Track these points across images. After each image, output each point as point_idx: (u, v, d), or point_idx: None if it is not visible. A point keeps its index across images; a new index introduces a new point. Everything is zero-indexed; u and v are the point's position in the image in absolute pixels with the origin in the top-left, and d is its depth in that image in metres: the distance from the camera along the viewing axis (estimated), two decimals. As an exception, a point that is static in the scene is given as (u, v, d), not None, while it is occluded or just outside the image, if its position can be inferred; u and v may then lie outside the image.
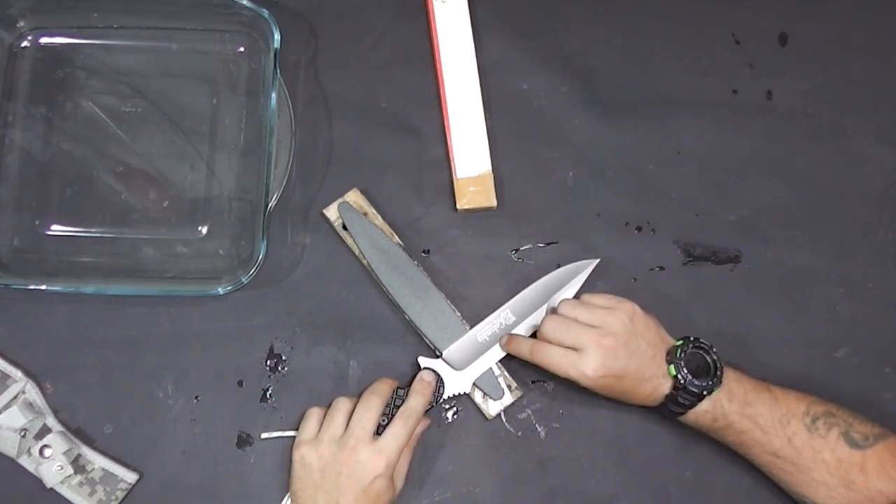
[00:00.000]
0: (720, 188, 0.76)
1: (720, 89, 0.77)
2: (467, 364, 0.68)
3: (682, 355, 0.63)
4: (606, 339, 0.63)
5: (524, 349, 0.66)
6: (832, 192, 0.76)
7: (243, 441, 0.69)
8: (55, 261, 0.71)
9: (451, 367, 0.68)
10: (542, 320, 0.66)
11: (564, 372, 0.63)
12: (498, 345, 0.69)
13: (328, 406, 0.66)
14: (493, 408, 0.69)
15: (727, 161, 0.76)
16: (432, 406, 0.67)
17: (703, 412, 0.64)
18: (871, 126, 0.77)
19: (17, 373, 0.69)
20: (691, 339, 0.65)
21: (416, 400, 0.65)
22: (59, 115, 0.73)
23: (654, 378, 0.64)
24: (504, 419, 0.70)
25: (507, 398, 0.69)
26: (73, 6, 0.72)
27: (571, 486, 0.70)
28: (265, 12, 0.69)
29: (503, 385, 0.69)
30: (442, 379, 0.68)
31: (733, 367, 0.65)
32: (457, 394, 0.68)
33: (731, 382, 0.64)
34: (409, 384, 0.67)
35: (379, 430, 0.63)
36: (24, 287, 0.67)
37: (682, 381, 0.62)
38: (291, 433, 0.68)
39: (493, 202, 0.73)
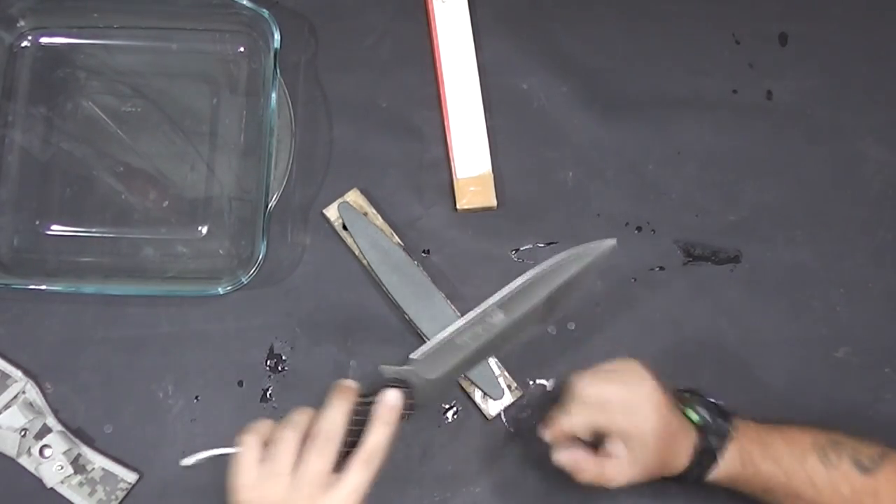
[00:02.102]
0: (720, 188, 0.76)
1: (720, 89, 0.77)
2: (442, 372, 0.58)
3: (692, 398, 0.63)
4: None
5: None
6: (832, 192, 0.76)
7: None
8: (55, 261, 0.71)
9: (423, 376, 0.58)
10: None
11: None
12: (477, 348, 0.59)
13: (276, 427, 0.54)
14: (493, 408, 0.69)
15: (727, 161, 0.76)
16: (406, 420, 0.57)
17: (731, 460, 0.61)
18: (870, 126, 0.77)
19: (17, 373, 0.69)
20: (680, 388, 0.64)
21: (380, 433, 0.54)
22: (59, 115, 0.73)
23: (680, 433, 0.60)
24: (504, 419, 0.70)
25: (507, 398, 0.69)
26: (73, 6, 0.72)
27: (571, 485, 0.69)
28: (265, 12, 0.69)
29: (503, 385, 0.69)
30: (412, 391, 0.57)
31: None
32: (431, 406, 0.61)
33: (740, 423, 0.62)
34: (373, 392, 0.56)
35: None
36: (24, 287, 0.67)
37: (708, 421, 0.61)
38: (225, 451, 0.54)
39: (493, 202, 0.73)
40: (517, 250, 0.74)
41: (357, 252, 0.71)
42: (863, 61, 0.79)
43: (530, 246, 0.74)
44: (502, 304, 0.58)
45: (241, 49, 0.74)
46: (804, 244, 0.75)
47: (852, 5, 0.80)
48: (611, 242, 0.59)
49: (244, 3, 0.69)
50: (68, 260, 0.71)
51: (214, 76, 0.74)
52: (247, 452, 0.52)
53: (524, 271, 0.72)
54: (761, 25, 0.79)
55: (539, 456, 0.70)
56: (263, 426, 0.53)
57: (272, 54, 0.69)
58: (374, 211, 0.72)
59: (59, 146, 0.72)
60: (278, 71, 0.68)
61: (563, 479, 0.69)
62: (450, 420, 0.70)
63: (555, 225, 0.74)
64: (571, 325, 0.72)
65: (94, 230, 0.71)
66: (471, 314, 0.58)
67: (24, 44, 0.73)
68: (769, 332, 0.73)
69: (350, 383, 0.55)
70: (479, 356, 0.59)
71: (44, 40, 0.74)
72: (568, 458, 0.61)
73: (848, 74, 0.78)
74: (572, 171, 0.75)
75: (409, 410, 0.56)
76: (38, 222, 0.71)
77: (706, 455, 0.61)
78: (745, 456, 0.61)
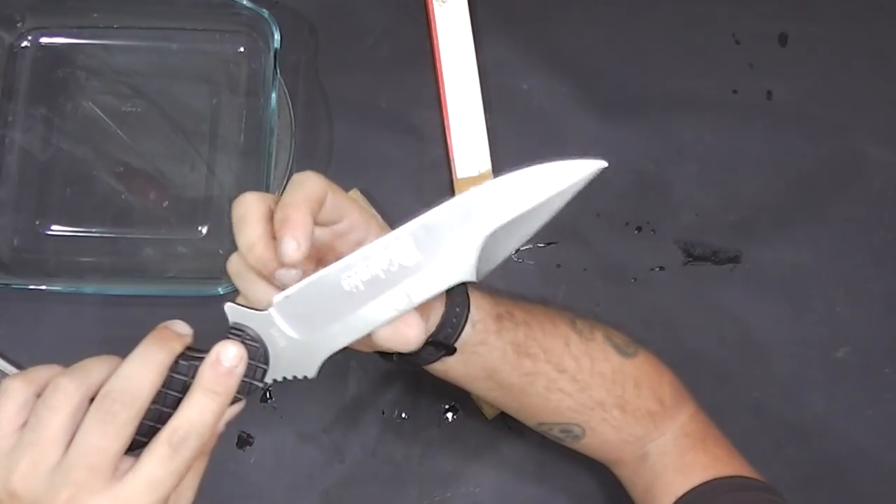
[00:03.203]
0: (720, 188, 0.76)
1: (720, 89, 0.77)
2: (319, 328, 0.39)
3: None
4: None
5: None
6: (832, 192, 0.76)
7: (243, 441, 0.69)
8: (55, 261, 0.71)
9: (290, 330, 0.39)
10: None
11: None
12: (385, 294, 0.39)
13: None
14: (493, 408, 0.69)
15: (727, 161, 0.76)
16: (250, 391, 0.40)
17: (481, 303, 0.48)
18: (871, 126, 0.77)
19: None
20: None
21: (200, 406, 0.36)
22: (59, 115, 0.73)
23: None
24: (504, 419, 0.70)
25: (507, 398, 0.69)
26: (73, 6, 0.72)
27: (571, 486, 0.70)
28: (265, 12, 0.69)
29: (503, 385, 0.68)
30: (264, 349, 0.39)
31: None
32: (294, 377, 0.40)
33: (488, 295, 0.50)
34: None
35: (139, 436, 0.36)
36: (24, 287, 0.67)
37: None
38: None
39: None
40: (517, 250, 0.74)
41: (357, 252, 0.71)
42: (863, 61, 0.79)
43: (530, 246, 0.74)
44: (417, 235, 0.40)
45: (241, 49, 0.74)
46: (804, 244, 0.75)
47: (852, 5, 0.80)
48: (595, 165, 0.43)
49: (244, 3, 0.69)
50: (68, 260, 0.71)
51: (214, 76, 0.74)
52: (7, 403, 0.34)
53: (524, 271, 0.72)
54: (761, 25, 0.79)
55: (539, 456, 0.70)
56: (42, 372, 0.37)
57: (272, 54, 0.69)
58: (374, 211, 0.72)
59: (59, 146, 0.72)
60: (278, 71, 0.68)
61: (563, 479, 0.70)
62: (450, 420, 0.70)
63: (555, 225, 0.73)
64: (571, 325, 0.72)
65: (94, 230, 0.71)
66: (369, 246, 0.40)
67: (24, 44, 0.73)
68: (769, 332, 0.73)
69: (178, 327, 0.40)
70: (380, 312, 0.39)
71: (44, 40, 0.74)
72: None
73: (848, 74, 0.78)
74: (572, 171, 0.75)
75: (258, 381, 0.39)
76: (38, 222, 0.71)
77: (456, 308, 0.46)
78: (496, 305, 0.48)
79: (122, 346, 0.70)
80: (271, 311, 0.39)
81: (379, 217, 0.46)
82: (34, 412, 0.34)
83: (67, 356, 0.70)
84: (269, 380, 0.40)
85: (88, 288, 0.69)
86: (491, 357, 0.48)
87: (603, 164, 0.42)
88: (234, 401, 0.38)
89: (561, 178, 0.41)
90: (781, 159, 0.76)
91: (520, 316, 0.50)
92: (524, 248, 0.74)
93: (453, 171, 0.73)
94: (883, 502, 0.71)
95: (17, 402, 0.34)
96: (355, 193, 0.72)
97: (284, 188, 0.42)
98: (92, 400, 0.36)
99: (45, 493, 0.33)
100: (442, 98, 0.74)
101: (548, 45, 0.77)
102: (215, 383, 0.37)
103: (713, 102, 0.77)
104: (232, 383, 0.37)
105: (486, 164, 0.73)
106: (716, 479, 0.54)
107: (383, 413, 0.69)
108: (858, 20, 0.79)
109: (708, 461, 0.56)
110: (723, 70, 0.78)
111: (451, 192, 0.73)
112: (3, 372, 0.68)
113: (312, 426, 0.70)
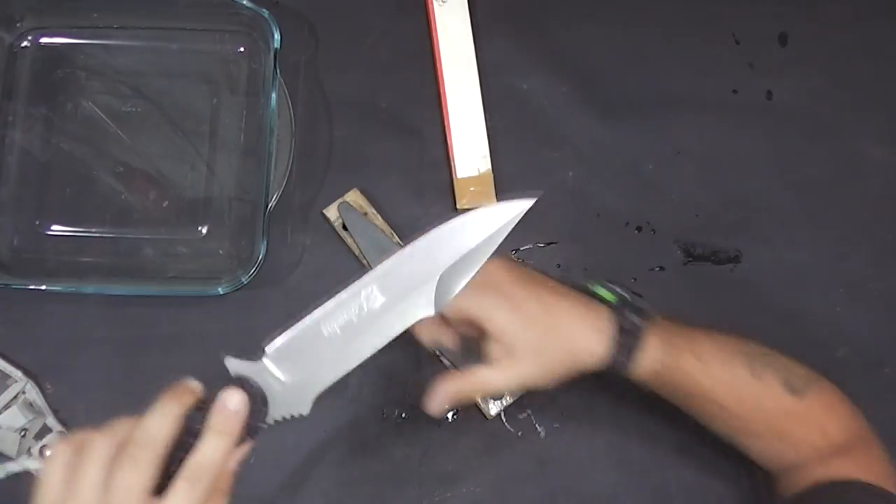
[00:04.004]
0: (720, 188, 0.76)
1: (720, 89, 0.77)
2: (307, 372, 0.46)
3: (602, 285, 0.56)
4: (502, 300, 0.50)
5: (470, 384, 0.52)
6: (832, 192, 0.76)
7: (243, 441, 0.69)
8: (55, 261, 0.71)
9: (282, 375, 0.46)
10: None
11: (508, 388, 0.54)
12: (358, 339, 0.46)
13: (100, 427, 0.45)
14: (493, 408, 0.69)
15: (727, 161, 0.76)
16: (250, 437, 0.46)
17: (654, 347, 0.54)
18: (871, 126, 0.77)
19: (17, 373, 0.69)
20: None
21: (212, 445, 0.43)
22: (59, 115, 0.73)
23: (586, 318, 0.52)
24: (504, 419, 0.70)
25: (507, 398, 0.69)
26: (73, 6, 0.72)
27: (571, 486, 0.70)
28: (265, 12, 0.69)
29: (503, 385, 0.69)
30: (264, 395, 0.45)
31: None
32: (292, 415, 0.47)
33: (668, 321, 0.56)
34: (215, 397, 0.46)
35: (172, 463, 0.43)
36: (24, 287, 0.67)
37: (623, 295, 0.54)
38: (32, 465, 0.48)
39: (494, 202, 0.73)
40: (517, 250, 0.74)
41: (357, 252, 0.71)
42: (863, 61, 0.79)
43: (530, 246, 0.74)
44: (380, 281, 0.45)
45: (241, 49, 0.74)
46: (804, 244, 0.75)
47: (852, 5, 0.80)
48: (527, 203, 0.48)
49: (244, 3, 0.69)
50: (68, 260, 0.71)
51: (214, 76, 0.74)
52: (55, 466, 0.42)
53: (524, 271, 0.72)
54: (761, 25, 0.79)
55: (539, 456, 0.70)
56: (80, 435, 0.43)
57: (272, 54, 0.69)
58: (374, 211, 0.72)
59: (59, 146, 0.72)
60: (278, 71, 0.68)
61: (563, 479, 0.70)
62: (450, 420, 0.70)
63: (555, 225, 0.74)
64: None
65: (94, 230, 0.71)
66: (340, 294, 0.45)
67: (24, 44, 0.73)
68: (769, 332, 0.73)
69: (190, 383, 0.45)
70: (357, 352, 0.46)
71: (44, 40, 0.74)
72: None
73: (848, 74, 0.78)
74: (572, 171, 0.75)
75: (261, 422, 0.45)
76: (38, 222, 0.71)
77: (627, 336, 0.53)
78: (667, 346, 0.54)
79: (121, 346, 0.70)
80: (265, 360, 0.45)
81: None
82: (76, 466, 0.41)
83: (67, 356, 0.70)
84: (270, 420, 0.45)
85: (88, 288, 0.69)
86: (650, 382, 0.56)
87: (531, 201, 0.47)
88: (243, 440, 0.44)
89: (497, 219, 0.46)
90: (781, 159, 0.76)
91: (690, 367, 0.55)
92: (525, 247, 0.74)
93: (453, 171, 0.73)
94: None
95: (62, 461, 0.41)
96: (355, 193, 0.72)
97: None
98: None
99: None
100: (442, 98, 0.74)
101: (548, 45, 0.77)
102: (223, 425, 0.43)
103: (713, 102, 0.77)
104: (236, 424, 0.43)
105: (486, 164, 0.73)
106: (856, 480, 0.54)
107: (383, 413, 0.69)
108: (858, 20, 0.79)
109: (858, 472, 0.55)
110: (723, 70, 0.78)
111: (451, 192, 0.73)
112: (3, 372, 0.68)
113: (312, 426, 0.70)
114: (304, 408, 0.46)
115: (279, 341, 0.45)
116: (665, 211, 0.75)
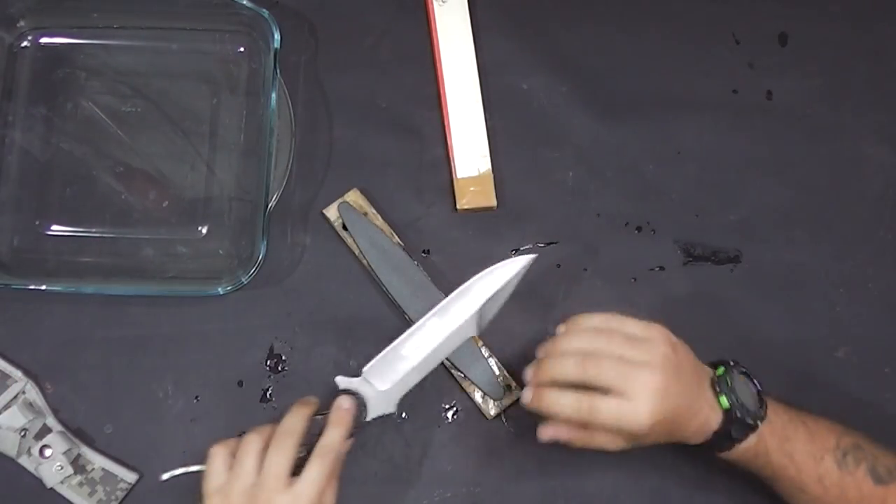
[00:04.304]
0: (720, 188, 0.76)
1: (720, 89, 0.77)
2: (392, 382, 0.62)
3: (731, 384, 0.58)
4: (658, 377, 0.55)
5: (567, 406, 0.56)
6: (832, 192, 0.76)
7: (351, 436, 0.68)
8: (55, 261, 0.71)
9: (374, 386, 0.62)
10: (578, 362, 0.56)
11: (620, 425, 0.55)
12: (426, 357, 0.62)
13: (239, 436, 0.59)
14: (493, 408, 0.69)
15: (727, 161, 0.76)
16: (355, 432, 0.60)
17: (745, 449, 0.59)
18: (871, 126, 0.77)
19: (17, 373, 0.69)
20: (731, 363, 0.60)
21: (334, 433, 0.58)
22: (59, 115, 0.73)
23: (702, 411, 0.57)
24: (504, 419, 0.70)
25: (507, 398, 0.69)
26: (73, 6, 0.72)
27: (571, 486, 0.70)
28: (265, 12, 0.69)
29: (503, 385, 0.69)
30: (364, 401, 0.61)
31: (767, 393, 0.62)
32: (383, 414, 0.62)
33: (771, 413, 0.60)
34: (330, 406, 0.60)
35: (299, 462, 0.57)
36: (24, 287, 0.67)
37: (737, 414, 0.57)
38: (198, 468, 0.61)
39: (493, 202, 0.73)
40: (517, 250, 0.74)
41: (357, 252, 0.71)
42: (863, 61, 0.79)
43: (530, 246, 0.74)
44: (439, 314, 0.63)
45: (241, 49, 0.74)
46: (804, 244, 0.75)
47: (852, 5, 0.80)
48: (529, 258, 0.63)
49: (244, 3, 0.69)
50: (68, 260, 0.71)
51: (214, 76, 0.74)
52: (215, 460, 0.57)
53: (524, 271, 0.72)
54: (761, 25, 0.79)
55: (539, 456, 0.70)
56: (231, 441, 0.58)
57: (272, 54, 0.69)
58: (374, 211, 0.72)
59: (59, 146, 0.72)
60: (278, 71, 0.68)
61: (563, 479, 0.70)
62: (450, 420, 0.70)
63: (555, 225, 0.74)
64: (571, 325, 0.72)
65: (94, 230, 0.71)
66: (413, 327, 0.63)
67: (24, 44, 0.73)
68: (769, 332, 0.73)
69: (311, 398, 0.61)
70: (425, 365, 0.63)
71: (44, 40, 0.74)
72: (553, 433, 0.59)
73: (848, 74, 0.78)
74: (572, 171, 0.75)
75: (363, 419, 0.61)
76: (38, 222, 0.71)
77: (724, 439, 0.58)
78: (761, 447, 0.59)
79: (122, 346, 0.70)
80: (363, 376, 0.62)
81: None
82: (238, 457, 0.57)
83: (67, 356, 0.70)
84: (368, 418, 0.61)
85: (88, 288, 0.69)
86: (737, 463, 0.61)
87: (533, 257, 0.63)
88: (351, 435, 0.60)
89: (511, 270, 0.63)
90: (781, 159, 0.76)
91: (778, 461, 0.60)
92: (524, 247, 0.74)
93: (453, 170, 0.73)
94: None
95: (222, 456, 0.57)
96: (355, 193, 0.72)
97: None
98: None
99: (251, 499, 0.55)
100: (442, 98, 0.74)
101: (548, 45, 0.77)
102: (340, 419, 0.59)
103: (713, 102, 0.77)
104: (349, 419, 0.59)
105: (485, 164, 0.73)
106: None
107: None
108: (858, 20, 0.79)
109: None
110: (723, 70, 0.78)
111: (451, 192, 0.73)
112: (3, 372, 0.68)
113: (312, 426, 0.70)
114: (391, 408, 0.62)
115: (372, 362, 0.62)
116: (665, 211, 0.75)
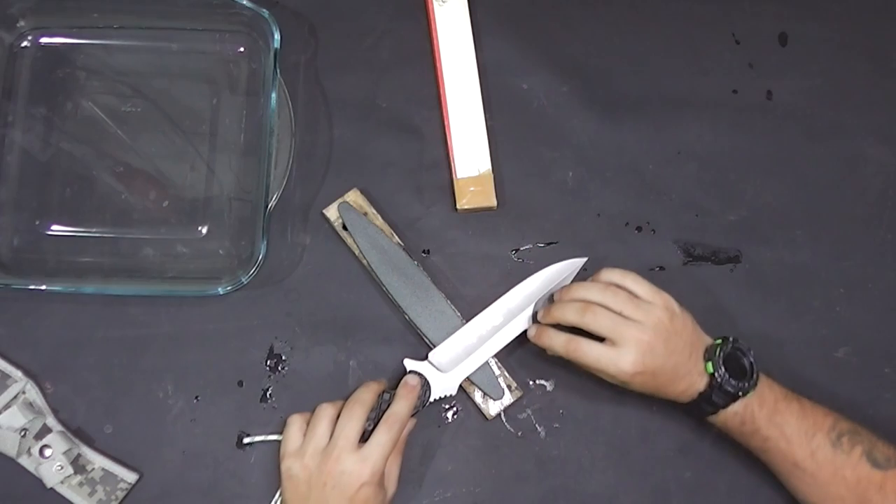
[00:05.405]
0: (720, 188, 0.76)
1: (720, 89, 0.77)
2: (454, 366, 0.67)
3: (721, 354, 0.63)
4: (646, 336, 0.62)
5: (558, 344, 0.64)
6: (832, 192, 0.76)
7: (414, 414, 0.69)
8: (55, 261, 0.71)
9: (438, 369, 0.67)
10: (579, 309, 0.63)
11: (601, 368, 0.63)
12: (483, 346, 0.68)
13: (312, 411, 0.64)
14: (493, 408, 0.69)
15: (727, 161, 0.76)
16: (419, 409, 0.66)
17: (732, 414, 0.63)
18: (871, 126, 0.77)
19: (17, 373, 0.69)
20: (730, 339, 0.64)
21: (401, 405, 0.63)
22: (59, 115, 0.73)
23: (690, 375, 0.63)
24: (504, 419, 0.70)
25: (507, 398, 0.69)
26: (73, 6, 0.72)
27: (571, 486, 0.70)
28: (265, 12, 0.69)
29: (503, 385, 0.69)
30: (428, 382, 0.66)
31: (765, 373, 0.64)
32: (444, 396, 0.67)
33: (764, 388, 0.63)
34: (397, 386, 0.66)
35: (365, 436, 0.62)
36: (24, 287, 0.67)
37: (718, 380, 0.62)
38: (275, 437, 0.68)
39: (493, 202, 0.73)
40: (517, 250, 0.74)
41: (357, 252, 0.71)
42: (863, 61, 0.79)
43: (530, 246, 0.74)
44: (498, 308, 0.69)
45: (241, 49, 0.74)
46: (804, 244, 0.75)
47: (852, 5, 0.80)
48: (582, 260, 0.70)
49: (244, 3, 0.69)
50: (68, 260, 0.71)
51: (214, 76, 0.74)
52: (292, 427, 0.63)
53: (524, 271, 0.72)
54: (761, 25, 0.79)
55: (539, 456, 0.70)
56: (306, 413, 0.64)
57: (272, 54, 0.69)
58: (374, 211, 0.72)
59: (59, 146, 0.72)
60: (278, 71, 0.68)
61: (563, 479, 0.70)
62: (450, 420, 0.70)
63: (555, 225, 0.74)
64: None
65: (94, 230, 0.71)
66: (478, 317, 0.69)
67: (24, 44, 0.73)
68: (769, 332, 0.73)
69: (380, 379, 0.68)
70: (483, 353, 0.68)
71: (44, 40, 0.74)
72: (537, 332, 0.67)
73: (848, 74, 0.78)
74: (572, 171, 0.75)
75: (426, 399, 0.66)
76: (38, 222, 0.71)
77: (707, 403, 0.63)
78: (747, 415, 0.63)
79: (122, 346, 0.70)
80: (429, 359, 0.68)
81: None
82: (312, 423, 0.63)
83: (67, 356, 0.70)
84: (431, 399, 0.67)
85: (88, 288, 0.69)
86: (728, 432, 0.66)
87: (583, 259, 0.71)
88: (415, 413, 0.65)
89: (570, 268, 0.70)
90: (781, 159, 0.76)
91: (767, 432, 0.63)
92: (524, 247, 0.74)
93: (453, 170, 0.73)
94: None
95: (298, 424, 0.63)
96: (355, 193, 0.72)
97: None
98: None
99: (324, 459, 0.61)
100: (442, 98, 0.74)
101: (548, 45, 0.77)
102: (407, 393, 0.65)
103: (713, 102, 0.77)
104: (414, 394, 0.65)
105: (486, 164, 0.73)
106: None
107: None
108: (858, 20, 0.79)
109: None
110: (723, 70, 0.78)
111: (451, 192, 0.73)
112: (3, 372, 0.68)
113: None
114: (452, 390, 0.67)
115: (439, 348, 0.68)
116: (665, 211, 0.75)
